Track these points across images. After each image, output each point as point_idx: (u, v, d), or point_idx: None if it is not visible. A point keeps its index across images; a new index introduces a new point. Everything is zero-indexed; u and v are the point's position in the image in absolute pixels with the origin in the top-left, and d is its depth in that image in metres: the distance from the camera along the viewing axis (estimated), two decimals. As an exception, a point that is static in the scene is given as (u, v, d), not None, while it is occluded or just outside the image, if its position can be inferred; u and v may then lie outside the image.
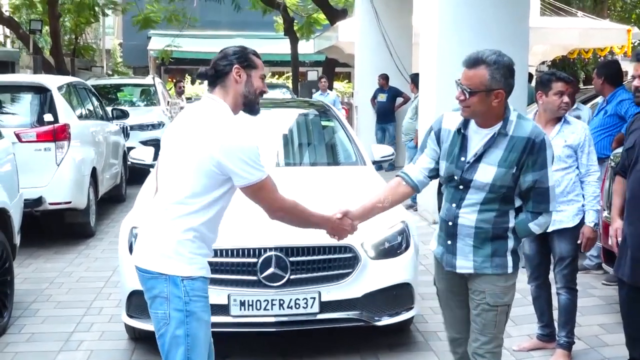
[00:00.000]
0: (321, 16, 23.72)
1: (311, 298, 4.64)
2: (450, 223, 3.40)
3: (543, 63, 23.05)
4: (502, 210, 3.34)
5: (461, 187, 3.35)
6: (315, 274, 4.68)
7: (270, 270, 4.59)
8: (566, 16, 18.31)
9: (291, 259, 4.63)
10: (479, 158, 3.30)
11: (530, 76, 14.84)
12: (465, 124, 3.37)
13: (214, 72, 3.27)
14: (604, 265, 5.79)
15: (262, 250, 4.63)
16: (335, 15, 20.87)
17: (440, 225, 3.51)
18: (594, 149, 4.66)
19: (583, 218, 4.62)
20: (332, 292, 4.67)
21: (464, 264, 3.40)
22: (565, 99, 4.64)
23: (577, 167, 4.64)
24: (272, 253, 4.61)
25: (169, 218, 3.13)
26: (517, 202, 3.38)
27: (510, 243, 3.39)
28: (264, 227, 4.81)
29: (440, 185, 3.59)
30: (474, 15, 9.05)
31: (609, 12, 24.62)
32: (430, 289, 5.13)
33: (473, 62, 3.27)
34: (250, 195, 3.20)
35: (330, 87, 24.34)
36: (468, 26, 9.07)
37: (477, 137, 3.34)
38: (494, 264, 3.38)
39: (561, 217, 4.62)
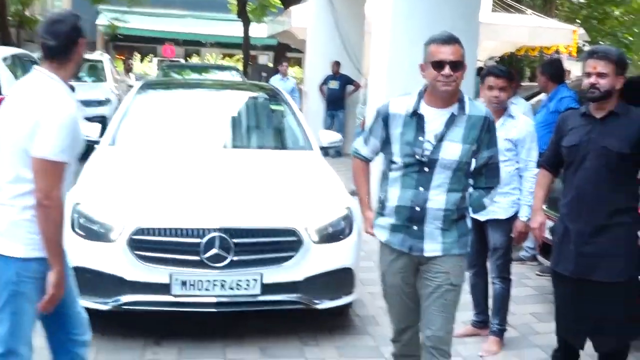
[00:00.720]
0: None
1: (253, 280, 4.66)
2: (417, 208, 3.41)
3: (491, 58, 23.38)
4: (464, 191, 3.48)
5: (426, 169, 3.40)
6: (258, 256, 4.71)
7: (214, 251, 4.60)
8: (515, 13, 18.58)
9: (235, 240, 4.64)
10: (442, 137, 3.39)
11: (480, 70, 15.06)
12: (418, 105, 3.44)
13: (58, 45, 3.12)
14: (538, 256, 5.95)
15: (206, 231, 4.63)
16: (289, -1, 20.82)
17: (398, 212, 3.48)
18: (535, 145, 4.75)
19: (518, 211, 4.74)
20: (275, 274, 4.70)
21: (433, 247, 3.47)
22: (495, 92, 4.72)
23: (517, 162, 4.75)
24: (216, 234, 4.62)
25: (5, 198, 3.09)
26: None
27: (469, 222, 3.56)
28: (208, 207, 4.86)
29: (386, 172, 3.59)
30: (426, 7, 9.15)
31: (557, 12, 25.09)
32: (370, 274, 5.22)
33: (450, 38, 3.41)
34: (35, 172, 3.02)
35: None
36: (420, 17, 9.16)
37: (434, 117, 3.42)
38: (461, 244, 3.51)
39: (495, 208, 4.74)
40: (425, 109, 3.45)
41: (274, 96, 7.35)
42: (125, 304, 4.64)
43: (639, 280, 3.85)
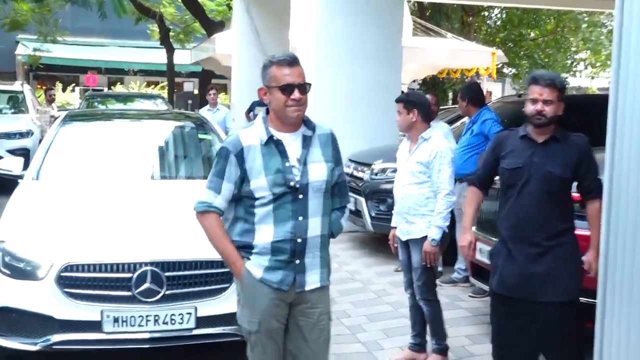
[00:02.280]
0: (199, 26, 23.52)
1: (187, 313, 4.58)
2: (299, 240, 3.25)
3: (414, 81, 23.77)
4: (330, 214, 3.40)
5: (300, 196, 3.25)
6: (191, 289, 4.62)
7: (146, 285, 4.50)
8: (436, 37, 18.97)
9: (167, 273, 4.55)
10: (305, 160, 3.28)
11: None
12: (269, 131, 3.28)
13: None
14: (471, 278, 6.02)
15: (137, 265, 4.53)
16: (213, 27, 20.75)
17: (276, 249, 3.25)
18: (446, 167, 4.80)
19: None
20: (209, 307, 4.62)
21: (313, 278, 3.35)
22: (397, 117, 4.95)
23: (432, 184, 4.83)
24: (148, 268, 4.52)
25: None
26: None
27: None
28: (138, 241, 4.76)
29: (241, 215, 3.32)
30: (349, 32, 9.28)
31: (475, 35, 25.73)
32: (347, 285, 5.18)
33: (295, 59, 3.29)
34: None
35: (205, 101, 24.21)
36: (343, 42, 9.30)
37: (289, 141, 3.30)
38: (329, 274, 3.44)
39: (412, 229, 4.88)
40: (277, 135, 3.28)
41: (202, 125, 7.28)
42: (55, 343, 4.49)
43: (580, 301, 3.92)
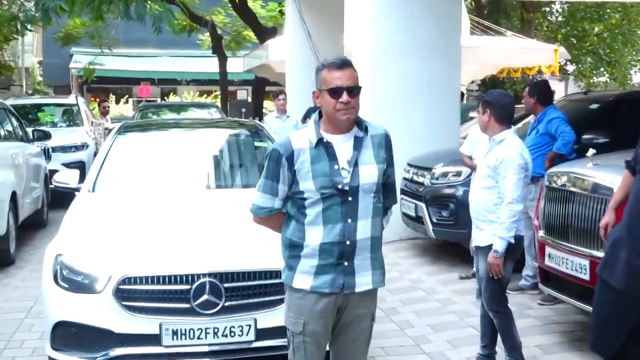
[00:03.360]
0: (250, 33, 23.71)
1: (247, 325, 4.57)
2: (347, 242, 3.29)
3: (473, 82, 23.53)
4: (382, 215, 3.43)
5: (350, 198, 3.29)
6: (251, 300, 4.61)
7: (204, 297, 4.51)
8: (495, 35, 18.74)
9: (226, 285, 4.55)
10: (356, 162, 3.31)
11: (462, 94, 15.12)
12: (320, 134, 3.34)
13: None
14: (540, 285, 5.88)
15: (195, 277, 4.54)
16: (265, 33, 20.87)
17: (324, 251, 3.29)
18: (511, 174, 4.66)
19: None
20: (269, 318, 4.59)
21: (364, 280, 3.37)
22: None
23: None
24: (206, 279, 4.53)
25: None
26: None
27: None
28: (196, 252, 4.77)
29: (293, 214, 3.38)
30: (406, 33, 9.19)
31: (536, 32, 25.34)
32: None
33: (345, 62, 3.33)
34: None
35: (261, 107, 24.36)
36: (400, 43, 9.21)
37: (340, 143, 3.33)
38: (383, 275, 3.47)
39: (479, 235, 4.78)
40: (328, 137, 3.34)
41: (257, 132, 7.30)
42: (114, 358, 4.53)
43: None
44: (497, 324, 4.84)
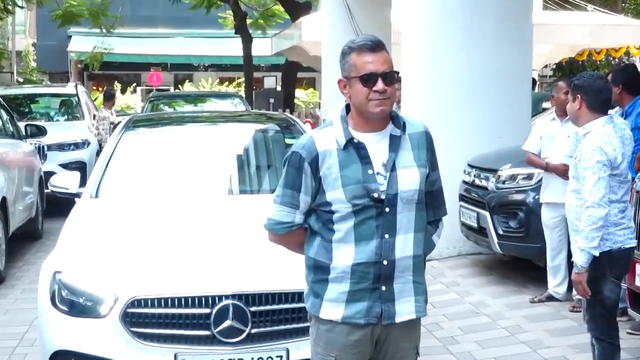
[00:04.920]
0: (280, 9, 23.80)
1: (277, 357, 4.59)
2: (385, 262, 3.23)
3: (546, 66, 23.36)
4: (426, 229, 3.37)
5: (387, 208, 3.23)
6: (282, 327, 4.63)
7: (227, 323, 4.53)
8: (573, 10, 18.60)
9: (252, 308, 4.57)
10: (393, 165, 3.25)
11: (534, 82, 15.01)
12: (349, 133, 3.27)
13: None
14: (630, 310, 5.82)
15: (217, 298, 4.57)
16: (297, 9, 20.99)
17: (356, 273, 3.24)
18: (590, 173, 4.63)
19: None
20: (303, 348, 4.60)
21: (406, 308, 3.32)
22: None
23: None
24: (229, 301, 4.55)
25: None
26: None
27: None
28: (217, 269, 4.80)
29: (318, 229, 3.34)
30: (466, 11, 9.16)
31: (623, 6, 25.08)
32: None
33: (378, 44, 3.27)
34: None
35: (292, 97, 24.42)
36: (458, 22, 9.18)
37: (373, 143, 3.28)
38: (425, 302, 3.41)
39: (574, 248, 4.74)
40: (359, 136, 3.27)
41: (288, 127, 7.32)
42: (121, 395, 4.58)
43: None
44: (598, 354, 4.83)
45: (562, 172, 6.59)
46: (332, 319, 3.31)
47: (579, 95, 4.80)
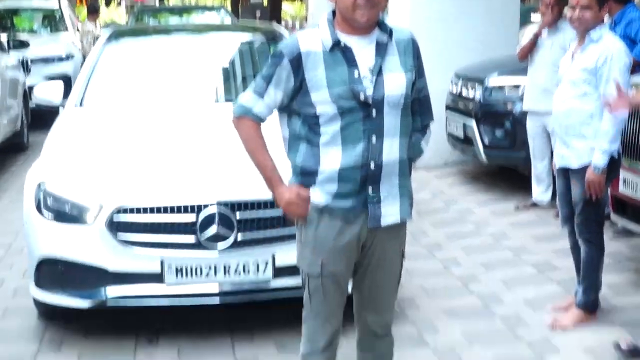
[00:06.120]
0: None
1: (263, 262, 4.62)
2: (372, 165, 3.23)
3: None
4: (410, 134, 3.37)
5: (374, 112, 3.22)
6: (268, 233, 4.65)
7: (213, 229, 4.55)
8: None
9: (238, 215, 4.59)
10: (380, 69, 3.23)
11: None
12: (336, 36, 3.23)
13: None
14: (612, 216, 5.86)
15: (202, 206, 4.58)
16: None
17: (344, 177, 3.23)
18: (618, 75, 4.59)
19: None
20: (289, 254, 4.60)
21: (391, 211, 3.33)
22: (577, 12, 4.71)
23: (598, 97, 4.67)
24: (215, 209, 4.56)
25: None
26: None
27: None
28: (203, 177, 4.80)
29: (303, 133, 3.32)
30: None
31: None
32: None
33: None
34: None
35: (279, 10, 24.15)
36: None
37: (360, 47, 3.24)
38: (411, 206, 3.43)
39: (570, 154, 4.79)
40: (345, 39, 3.23)
41: (274, 38, 7.24)
42: (110, 299, 4.61)
43: None
44: (585, 256, 4.88)
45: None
46: (317, 203, 3.28)
47: None
